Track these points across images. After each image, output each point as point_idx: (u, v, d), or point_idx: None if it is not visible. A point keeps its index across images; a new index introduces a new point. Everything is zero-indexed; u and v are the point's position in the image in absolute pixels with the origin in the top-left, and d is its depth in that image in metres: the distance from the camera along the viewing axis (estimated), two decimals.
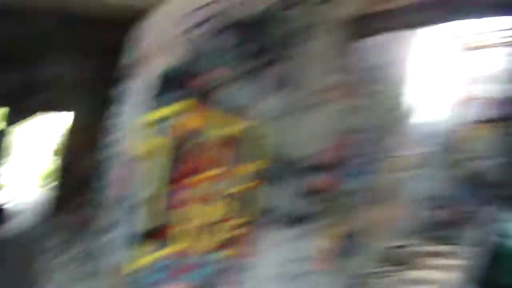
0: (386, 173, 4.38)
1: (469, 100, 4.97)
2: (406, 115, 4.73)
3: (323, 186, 2.43)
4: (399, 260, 4.57)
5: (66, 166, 3.56)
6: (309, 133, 2.39)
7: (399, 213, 5.17)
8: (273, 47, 2.10)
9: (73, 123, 3.73)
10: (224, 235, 2.25)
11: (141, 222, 1.99)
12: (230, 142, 2.14)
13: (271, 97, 2.21)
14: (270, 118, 2.24)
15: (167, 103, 1.95)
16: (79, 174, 3.44)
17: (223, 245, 2.23)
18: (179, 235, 2.14)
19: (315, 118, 2.31)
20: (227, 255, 2.24)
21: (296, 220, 2.41)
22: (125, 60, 2.05)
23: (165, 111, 1.94)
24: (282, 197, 2.36)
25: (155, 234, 2.08)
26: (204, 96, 2.04)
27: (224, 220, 2.21)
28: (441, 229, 5.54)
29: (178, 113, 1.93)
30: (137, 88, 1.91)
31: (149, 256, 2.02)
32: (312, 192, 2.39)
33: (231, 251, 2.26)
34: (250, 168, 2.21)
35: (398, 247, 4.95)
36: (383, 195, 4.42)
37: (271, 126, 2.26)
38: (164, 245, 2.10)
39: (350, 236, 3.63)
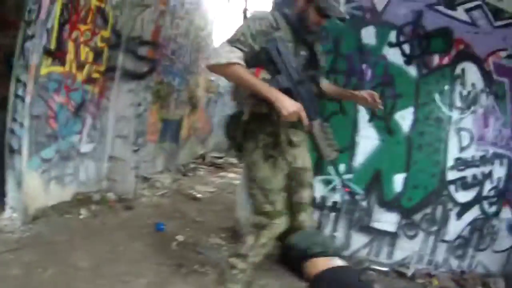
0: (195, 86, 7.81)
1: None
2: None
3: (150, 54, 5.45)
4: (215, 164, 8.11)
5: None
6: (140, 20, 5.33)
7: (205, 125, 8.75)
8: None
9: None
10: (89, 74, 4.82)
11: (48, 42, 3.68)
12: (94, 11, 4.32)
13: None
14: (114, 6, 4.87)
15: None
16: None
17: (89, 81, 4.80)
18: (68, 60, 3.97)
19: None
20: (90, 90, 4.84)
21: (134, 76, 5.33)
22: None
23: None
24: (124, 59, 5.25)
25: (56, 53, 3.80)
26: None
27: (89, 62, 4.73)
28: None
29: None
30: None
31: (49, 68, 3.73)
32: (143, 57, 5.37)
33: (93, 88, 4.86)
34: (103, 33, 4.94)
35: (214, 156, 8.51)
36: (193, 102, 7.83)
37: (118, 11, 4.82)
38: (60, 63, 3.95)
39: (168, 122, 6.76)
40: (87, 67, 4.49)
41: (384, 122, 4.08)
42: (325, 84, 3.06)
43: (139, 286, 3.32)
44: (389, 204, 4.05)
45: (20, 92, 3.79)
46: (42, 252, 3.55)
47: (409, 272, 4.12)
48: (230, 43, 2.52)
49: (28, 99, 3.74)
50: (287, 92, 2.48)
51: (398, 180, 4.15)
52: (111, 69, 4.93)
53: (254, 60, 2.56)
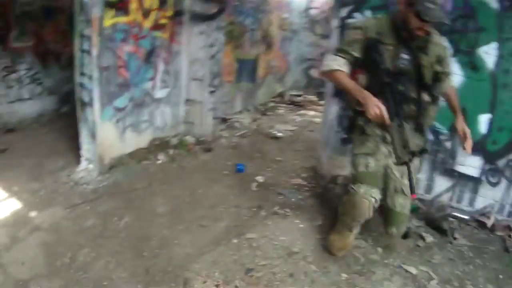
0: (268, 24, 7.70)
1: None
2: None
3: None
4: (294, 102, 8.08)
5: None
6: None
7: (282, 63, 8.66)
8: None
9: None
10: (156, 20, 4.87)
11: None
12: None
13: None
14: None
15: None
16: None
17: (157, 27, 4.85)
18: (132, 9, 4.14)
19: None
20: (160, 36, 4.88)
21: (204, 17, 5.28)
22: None
23: None
24: (191, 3, 5.17)
25: (118, 4, 3.94)
26: None
27: (155, 9, 4.82)
28: (314, 84, 9.37)
29: None
30: None
31: (113, 19, 3.95)
32: None
33: (162, 34, 4.92)
34: None
35: (293, 95, 8.48)
36: (267, 41, 7.75)
37: None
38: (123, 13, 4.06)
39: (243, 62, 6.73)
40: (153, 14, 4.51)
41: (467, 57, 3.76)
42: (448, 89, 3.08)
43: (217, 230, 3.37)
44: (473, 147, 3.81)
45: (85, 46, 3.86)
46: (119, 200, 3.69)
47: (489, 223, 3.87)
48: (334, 53, 2.87)
49: (94, 51, 3.83)
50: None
51: (483, 121, 3.85)
52: (179, 13, 4.93)
53: (358, 64, 2.84)
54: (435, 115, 3.07)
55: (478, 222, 3.90)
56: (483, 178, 3.93)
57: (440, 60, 2.93)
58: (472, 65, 3.75)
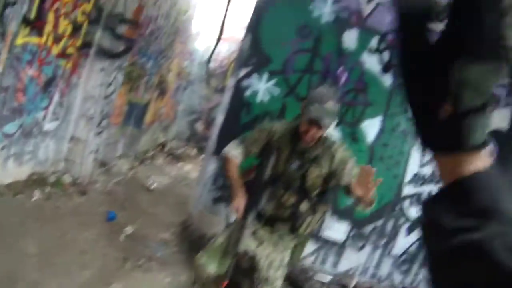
0: (167, 71, 7.61)
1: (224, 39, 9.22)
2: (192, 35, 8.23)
3: (128, 33, 5.19)
4: (173, 154, 7.96)
5: None
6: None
7: (170, 111, 8.55)
8: None
9: None
10: (64, 48, 4.53)
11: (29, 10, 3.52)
12: None
13: None
14: None
15: None
16: None
17: (63, 56, 4.51)
18: (46, 31, 3.85)
19: None
20: (63, 65, 4.54)
21: (109, 54, 5.05)
22: None
23: None
24: (102, 36, 4.95)
25: (35, 23, 3.58)
26: None
27: (66, 36, 4.49)
28: (196, 138, 9.42)
29: None
30: None
31: (26, 38, 3.50)
32: (120, 36, 5.11)
33: (66, 64, 4.59)
34: (85, 7, 4.66)
35: (174, 147, 8.35)
36: (162, 87, 7.63)
37: None
38: (37, 34, 3.75)
39: (134, 105, 6.53)
40: (63, 40, 4.27)
41: (350, 129, 4.08)
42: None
43: (84, 277, 3.32)
44: (341, 213, 3.99)
45: None
46: None
47: (351, 284, 4.13)
48: (240, 140, 3.10)
49: None
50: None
51: None
52: (87, 45, 4.69)
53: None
54: (315, 225, 3.19)
55: (340, 284, 4.13)
56: (349, 242, 4.18)
57: (336, 175, 2.93)
58: (353, 136, 4.05)
